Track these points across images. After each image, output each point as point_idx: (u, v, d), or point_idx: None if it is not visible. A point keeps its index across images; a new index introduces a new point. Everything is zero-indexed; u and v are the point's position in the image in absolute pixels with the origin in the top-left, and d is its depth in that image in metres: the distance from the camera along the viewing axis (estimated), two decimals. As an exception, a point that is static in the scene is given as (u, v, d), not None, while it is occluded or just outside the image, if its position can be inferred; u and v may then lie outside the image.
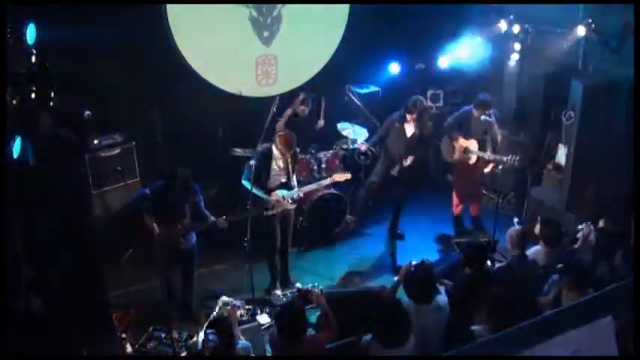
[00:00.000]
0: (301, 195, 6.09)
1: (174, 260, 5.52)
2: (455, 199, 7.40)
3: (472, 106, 6.87)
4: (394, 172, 6.93)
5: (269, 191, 5.85)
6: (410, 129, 6.78)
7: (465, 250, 4.83)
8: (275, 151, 5.82)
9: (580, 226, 5.48)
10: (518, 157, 6.75)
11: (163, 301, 5.45)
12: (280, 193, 5.89)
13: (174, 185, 5.38)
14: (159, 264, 5.10)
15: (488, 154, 6.86)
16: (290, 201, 5.95)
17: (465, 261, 4.86)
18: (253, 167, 5.79)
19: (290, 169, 5.94)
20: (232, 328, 4.15)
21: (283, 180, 5.94)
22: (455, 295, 4.47)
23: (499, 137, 6.88)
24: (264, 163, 5.81)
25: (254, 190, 5.66)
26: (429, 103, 8.63)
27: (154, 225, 5.34)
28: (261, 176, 5.81)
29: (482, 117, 6.74)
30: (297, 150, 6.07)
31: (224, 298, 5.10)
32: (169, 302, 5.50)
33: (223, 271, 6.54)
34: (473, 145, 6.94)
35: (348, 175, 6.42)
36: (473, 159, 6.97)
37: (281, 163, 5.88)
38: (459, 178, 7.27)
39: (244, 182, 5.90)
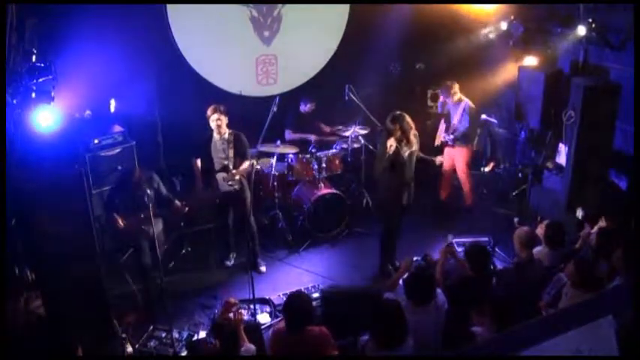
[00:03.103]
0: (236, 177, 6.13)
1: (144, 248, 5.68)
2: (443, 182, 7.73)
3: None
4: (405, 201, 6.13)
5: (213, 172, 6.16)
6: (405, 149, 5.88)
7: (466, 252, 4.82)
8: (214, 134, 6.09)
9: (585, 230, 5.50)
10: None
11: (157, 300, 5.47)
12: (222, 175, 6.13)
13: (127, 182, 5.65)
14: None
15: (442, 136, 7.40)
16: (229, 183, 6.11)
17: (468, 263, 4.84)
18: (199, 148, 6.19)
19: (229, 152, 6.09)
20: (237, 332, 4.12)
21: (225, 162, 6.12)
22: (456, 295, 4.46)
23: (455, 121, 7.26)
24: (205, 144, 6.12)
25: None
26: (430, 103, 8.67)
27: (120, 220, 5.55)
28: (204, 157, 6.16)
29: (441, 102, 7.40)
30: (242, 135, 6.24)
31: (229, 300, 5.08)
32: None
33: (223, 270, 6.55)
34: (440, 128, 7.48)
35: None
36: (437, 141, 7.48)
37: (219, 146, 6.11)
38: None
39: (193, 160, 6.25)
